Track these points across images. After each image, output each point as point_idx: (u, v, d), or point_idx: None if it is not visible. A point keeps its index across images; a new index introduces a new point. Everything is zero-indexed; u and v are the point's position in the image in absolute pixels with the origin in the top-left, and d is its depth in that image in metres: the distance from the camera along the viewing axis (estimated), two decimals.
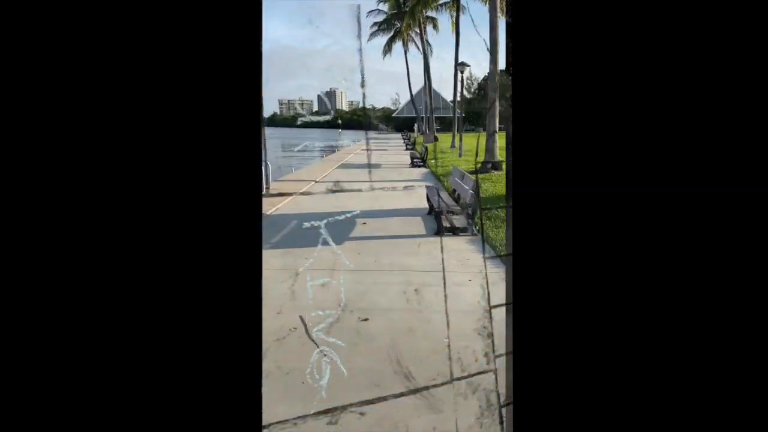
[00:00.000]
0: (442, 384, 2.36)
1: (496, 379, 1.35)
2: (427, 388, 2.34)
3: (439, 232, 5.74)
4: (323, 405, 2.23)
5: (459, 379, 2.33)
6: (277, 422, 2.00)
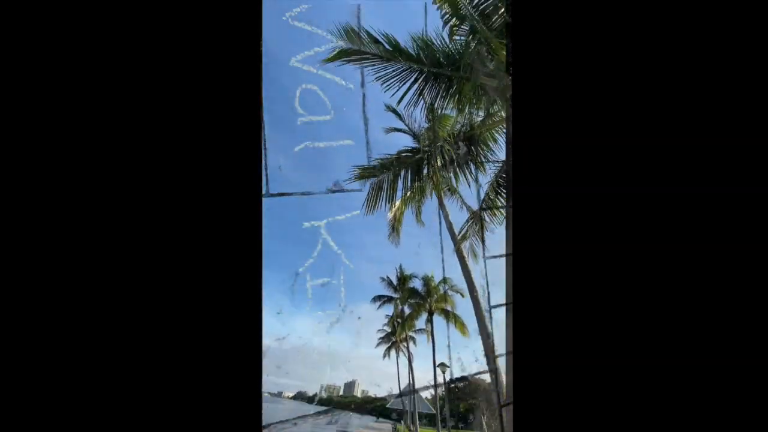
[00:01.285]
0: (442, 384, 2.35)
1: (496, 379, 1.35)
2: (426, 388, 2.34)
3: None
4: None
5: (459, 379, 2.33)
6: (277, 422, 2.00)
